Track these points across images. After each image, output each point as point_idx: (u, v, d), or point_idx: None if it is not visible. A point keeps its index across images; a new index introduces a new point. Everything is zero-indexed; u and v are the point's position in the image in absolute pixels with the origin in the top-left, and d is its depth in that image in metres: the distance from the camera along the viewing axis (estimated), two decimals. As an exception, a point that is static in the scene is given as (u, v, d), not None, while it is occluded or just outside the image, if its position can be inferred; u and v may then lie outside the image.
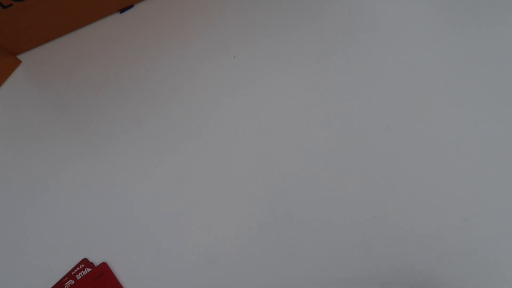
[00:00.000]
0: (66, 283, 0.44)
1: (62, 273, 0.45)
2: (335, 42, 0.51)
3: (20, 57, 0.53)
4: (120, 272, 0.44)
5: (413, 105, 0.48)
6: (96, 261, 0.45)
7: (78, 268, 0.44)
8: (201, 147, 0.48)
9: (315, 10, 0.53)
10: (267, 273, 0.43)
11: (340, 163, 0.46)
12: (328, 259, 0.43)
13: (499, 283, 0.42)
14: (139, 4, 0.54)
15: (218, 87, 0.50)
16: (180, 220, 0.46)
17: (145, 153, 0.48)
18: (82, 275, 0.44)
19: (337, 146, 0.47)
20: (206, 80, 0.51)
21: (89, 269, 0.44)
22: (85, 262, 0.45)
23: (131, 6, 0.54)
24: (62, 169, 0.48)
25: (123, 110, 0.50)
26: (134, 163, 0.48)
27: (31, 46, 0.53)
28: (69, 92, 0.51)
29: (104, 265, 0.44)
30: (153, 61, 0.52)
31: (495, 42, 0.50)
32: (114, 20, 0.54)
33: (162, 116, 0.50)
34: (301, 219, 0.45)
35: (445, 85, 0.49)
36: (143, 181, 0.47)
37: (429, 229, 0.44)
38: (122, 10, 0.54)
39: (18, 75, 0.52)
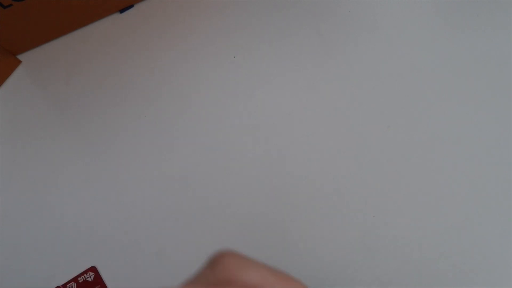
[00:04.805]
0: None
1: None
2: (335, 42, 0.51)
3: (20, 57, 0.53)
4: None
5: (413, 106, 0.48)
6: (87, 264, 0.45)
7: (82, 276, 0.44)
8: (201, 146, 0.48)
9: (315, 10, 0.53)
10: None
11: (340, 163, 0.46)
12: (328, 259, 0.43)
13: (499, 283, 0.42)
14: (139, 4, 0.54)
15: (218, 87, 0.50)
16: (181, 221, 0.46)
17: (146, 153, 0.48)
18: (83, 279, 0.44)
19: (337, 146, 0.47)
20: (206, 80, 0.51)
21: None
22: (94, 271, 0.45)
23: (131, 6, 0.54)
24: (62, 169, 0.48)
25: (123, 110, 0.50)
26: (134, 163, 0.48)
27: (31, 46, 0.53)
28: (69, 92, 0.51)
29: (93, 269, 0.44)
30: (153, 61, 0.52)
31: (495, 42, 0.50)
32: (114, 20, 0.54)
33: (162, 116, 0.50)
34: (301, 219, 0.45)
35: (445, 85, 0.49)
36: (145, 181, 0.47)
37: (429, 229, 0.44)
38: (122, 10, 0.54)
39: (18, 75, 0.52)
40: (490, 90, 0.48)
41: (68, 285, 0.44)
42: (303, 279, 0.43)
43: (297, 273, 0.43)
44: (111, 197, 0.47)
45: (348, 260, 0.43)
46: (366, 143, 0.47)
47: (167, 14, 0.53)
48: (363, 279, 0.43)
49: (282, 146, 0.47)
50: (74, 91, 0.51)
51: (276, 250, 0.44)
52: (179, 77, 0.51)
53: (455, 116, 0.47)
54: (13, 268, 0.45)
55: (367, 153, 0.47)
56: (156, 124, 0.49)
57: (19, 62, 0.53)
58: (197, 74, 0.51)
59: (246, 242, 0.44)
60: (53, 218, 0.47)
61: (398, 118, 0.48)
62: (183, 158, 0.48)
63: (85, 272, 0.44)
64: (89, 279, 0.44)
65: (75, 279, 0.44)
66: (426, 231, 0.44)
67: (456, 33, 0.51)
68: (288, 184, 0.46)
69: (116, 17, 0.54)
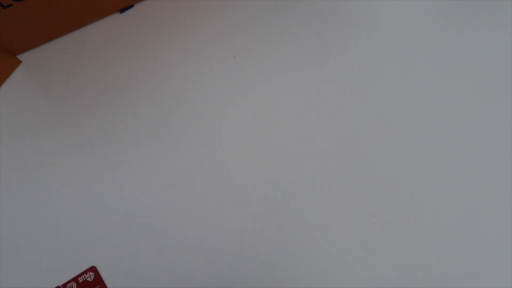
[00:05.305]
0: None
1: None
2: (335, 42, 0.51)
3: (20, 57, 0.53)
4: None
5: (413, 106, 0.48)
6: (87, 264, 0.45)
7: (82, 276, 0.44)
8: (200, 146, 0.48)
9: (315, 10, 0.53)
10: (266, 273, 0.43)
11: (340, 163, 0.46)
12: (328, 258, 0.43)
13: (499, 283, 0.42)
14: (139, 4, 0.54)
15: (218, 87, 0.50)
16: (182, 221, 0.46)
17: (146, 153, 0.48)
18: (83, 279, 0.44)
19: (337, 146, 0.47)
20: (206, 80, 0.51)
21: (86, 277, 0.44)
22: (94, 271, 0.45)
23: (131, 6, 0.54)
24: (62, 169, 0.48)
25: (123, 110, 0.50)
26: (135, 163, 0.48)
27: (31, 46, 0.53)
28: (69, 92, 0.51)
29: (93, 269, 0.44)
30: (153, 61, 0.52)
31: (495, 42, 0.50)
32: (114, 20, 0.54)
33: (162, 116, 0.50)
34: (301, 219, 0.45)
35: (445, 85, 0.49)
36: (145, 181, 0.47)
37: (429, 229, 0.44)
38: (122, 10, 0.54)
39: (18, 75, 0.52)
40: (490, 90, 0.48)
41: (68, 285, 0.44)
42: (302, 279, 0.43)
43: (297, 273, 0.43)
44: (111, 197, 0.47)
45: (348, 260, 0.43)
46: (366, 143, 0.47)
47: (167, 14, 0.53)
48: (362, 279, 0.43)
49: (282, 146, 0.47)
50: (74, 91, 0.51)
51: (276, 250, 0.44)
52: (179, 77, 0.51)
53: (455, 116, 0.47)
54: (13, 268, 0.45)
55: (367, 153, 0.47)
56: (156, 124, 0.49)
57: (19, 62, 0.53)
58: (197, 74, 0.51)
59: (245, 241, 0.44)
60: (53, 218, 0.47)
61: (398, 118, 0.48)
62: (183, 158, 0.48)
63: (85, 272, 0.44)
64: (89, 279, 0.44)
65: (75, 279, 0.44)
66: (426, 231, 0.44)
67: (456, 33, 0.51)
68: (287, 184, 0.46)
69: (116, 17, 0.54)
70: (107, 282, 0.44)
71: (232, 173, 0.47)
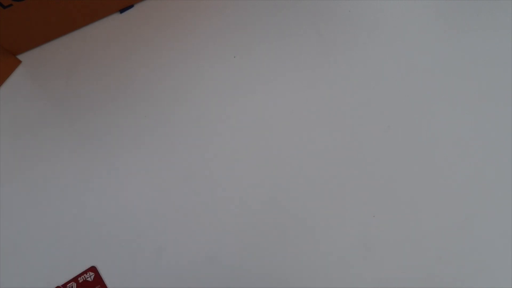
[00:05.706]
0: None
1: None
2: (335, 42, 0.51)
3: (20, 57, 0.53)
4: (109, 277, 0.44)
5: (413, 106, 0.48)
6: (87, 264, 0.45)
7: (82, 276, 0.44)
8: (200, 146, 0.48)
9: (315, 10, 0.53)
10: (265, 273, 0.43)
11: (340, 163, 0.46)
12: (328, 259, 0.43)
13: (499, 283, 0.42)
14: (139, 4, 0.54)
15: (218, 87, 0.50)
16: (182, 221, 0.46)
17: (146, 152, 0.48)
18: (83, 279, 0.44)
19: (337, 146, 0.47)
20: (206, 79, 0.51)
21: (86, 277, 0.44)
22: (94, 270, 0.45)
23: (131, 6, 0.54)
24: (62, 169, 0.48)
25: (123, 110, 0.50)
26: (134, 163, 0.48)
27: (31, 46, 0.53)
28: (69, 92, 0.51)
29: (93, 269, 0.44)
30: (153, 61, 0.52)
31: (495, 42, 0.50)
32: (114, 20, 0.54)
33: (162, 116, 0.50)
34: (301, 219, 0.45)
35: (445, 85, 0.49)
36: (145, 181, 0.47)
37: (429, 229, 0.44)
38: (122, 10, 0.54)
39: (18, 75, 0.52)
40: (490, 90, 0.48)
41: (68, 285, 0.44)
42: (302, 279, 0.43)
43: (296, 273, 0.43)
44: (111, 197, 0.47)
45: (348, 260, 0.43)
46: (366, 143, 0.47)
47: (167, 14, 0.54)
48: (362, 279, 0.43)
49: (282, 146, 0.47)
50: (74, 91, 0.51)
51: (276, 250, 0.44)
52: (179, 77, 0.51)
53: (455, 116, 0.47)
54: (13, 268, 0.45)
55: (367, 153, 0.47)
56: (156, 124, 0.49)
57: (19, 62, 0.53)
58: (197, 74, 0.51)
59: (245, 241, 0.44)
60: (53, 218, 0.47)
61: (398, 118, 0.48)
62: (183, 158, 0.48)
63: (85, 272, 0.44)
64: (89, 279, 0.44)
65: (75, 279, 0.44)
66: (426, 231, 0.44)
67: (456, 33, 0.51)
68: (287, 184, 0.46)
69: (116, 17, 0.54)
70: (107, 282, 0.44)
71: (232, 173, 0.47)
